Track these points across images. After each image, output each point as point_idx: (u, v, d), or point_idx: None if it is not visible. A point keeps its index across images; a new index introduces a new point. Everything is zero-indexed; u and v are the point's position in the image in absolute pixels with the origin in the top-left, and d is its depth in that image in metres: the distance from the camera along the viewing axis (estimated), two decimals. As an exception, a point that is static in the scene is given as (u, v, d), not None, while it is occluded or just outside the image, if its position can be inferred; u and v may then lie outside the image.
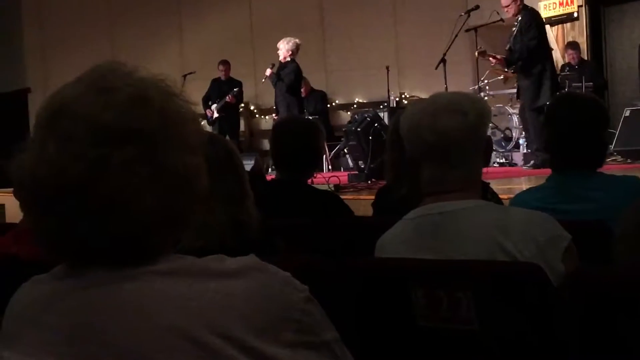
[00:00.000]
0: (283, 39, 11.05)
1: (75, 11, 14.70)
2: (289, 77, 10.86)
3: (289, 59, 10.95)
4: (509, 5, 9.40)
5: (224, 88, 12.85)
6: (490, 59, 9.60)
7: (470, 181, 2.33)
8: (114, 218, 1.18)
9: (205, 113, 13.01)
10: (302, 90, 11.73)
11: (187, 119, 1.27)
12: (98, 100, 1.20)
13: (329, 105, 14.27)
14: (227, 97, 12.67)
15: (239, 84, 12.90)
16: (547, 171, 3.21)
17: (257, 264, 1.26)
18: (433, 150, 2.28)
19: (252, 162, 8.90)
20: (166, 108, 1.24)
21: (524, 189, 3.32)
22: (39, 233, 1.23)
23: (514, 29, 9.44)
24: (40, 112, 1.22)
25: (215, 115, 12.78)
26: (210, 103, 12.89)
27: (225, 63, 13.14)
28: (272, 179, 4.19)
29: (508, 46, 9.49)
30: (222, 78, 13.09)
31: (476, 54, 9.61)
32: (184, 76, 12.87)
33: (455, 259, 2.16)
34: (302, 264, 2.08)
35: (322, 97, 13.94)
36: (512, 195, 3.74)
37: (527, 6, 9.59)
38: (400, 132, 2.40)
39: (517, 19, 9.44)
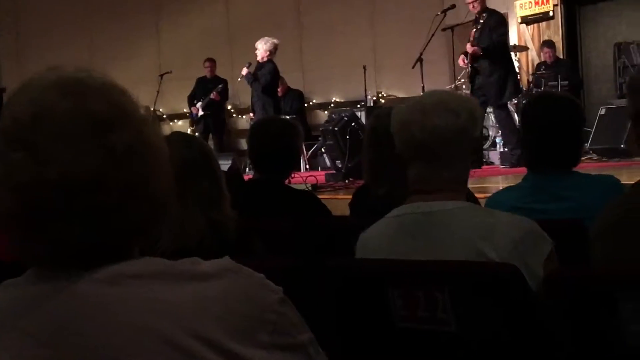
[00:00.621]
0: (261, 39, 11.03)
1: (51, 10, 14.63)
2: (265, 78, 10.84)
3: (266, 59, 10.93)
4: (474, 2, 9.57)
5: (209, 86, 12.82)
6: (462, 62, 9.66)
7: (457, 182, 2.33)
8: (110, 216, 1.18)
9: (191, 111, 12.99)
10: (278, 89, 11.72)
11: (147, 118, 1.29)
12: (62, 102, 1.19)
13: (306, 105, 14.27)
14: (212, 94, 12.63)
15: (224, 82, 12.86)
16: (523, 170, 3.22)
17: (232, 266, 1.25)
18: (422, 148, 2.27)
19: (229, 162, 8.89)
20: (130, 102, 1.26)
21: (500, 188, 3.33)
22: (13, 236, 1.22)
23: (478, 26, 9.60)
24: (10, 123, 1.21)
25: (201, 113, 12.74)
26: (195, 101, 12.85)
27: (211, 60, 13.11)
28: (250, 179, 4.19)
29: (469, 44, 9.60)
30: (208, 76, 13.06)
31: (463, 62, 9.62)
32: (161, 75, 12.84)
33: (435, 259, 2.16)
34: (280, 266, 2.08)
35: (299, 96, 13.94)
36: (488, 195, 3.76)
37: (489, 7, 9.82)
38: (388, 131, 2.39)
39: (483, 16, 9.61)
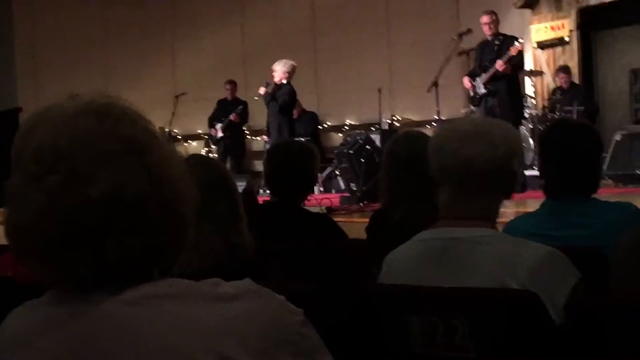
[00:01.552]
0: (279, 61, 11.04)
1: (67, 31, 14.72)
2: (283, 98, 10.85)
3: (284, 80, 10.95)
4: (491, 23, 9.69)
5: (229, 108, 12.82)
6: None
7: (488, 211, 2.32)
8: (146, 234, 1.21)
9: (210, 133, 13.01)
10: (294, 111, 11.73)
11: (168, 147, 1.31)
12: (101, 125, 1.22)
13: (320, 127, 14.29)
14: (231, 116, 12.64)
15: (243, 104, 12.87)
16: (533, 195, 3.21)
17: (254, 287, 1.26)
18: (453, 175, 2.27)
19: (244, 183, 8.90)
20: (150, 130, 1.29)
21: (512, 212, 3.32)
22: (36, 258, 1.22)
23: (494, 48, 9.65)
24: (42, 150, 1.21)
25: (220, 134, 12.75)
26: (215, 123, 12.86)
27: (232, 82, 13.09)
28: (267, 201, 4.19)
29: (485, 63, 9.66)
30: (228, 98, 13.06)
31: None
32: (176, 97, 12.88)
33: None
34: (300, 289, 2.07)
35: (313, 119, 13.95)
36: (503, 220, 3.74)
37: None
38: (405, 156, 2.39)
39: (499, 39, 9.69)
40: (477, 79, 9.73)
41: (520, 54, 9.56)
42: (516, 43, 9.45)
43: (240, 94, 13.21)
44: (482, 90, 9.68)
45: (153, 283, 1.23)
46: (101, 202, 1.18)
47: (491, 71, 9.53)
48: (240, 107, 12.67)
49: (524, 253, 2.18)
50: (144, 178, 1.21)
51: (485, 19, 9.72)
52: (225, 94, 13.07)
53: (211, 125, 12.95)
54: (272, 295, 1.27)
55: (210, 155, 12.68)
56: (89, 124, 1.21)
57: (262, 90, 11.12)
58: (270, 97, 10.93)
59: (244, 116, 12.83)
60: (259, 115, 12.60)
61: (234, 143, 12.81)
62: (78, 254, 1.19)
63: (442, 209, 2.32)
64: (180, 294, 1.22)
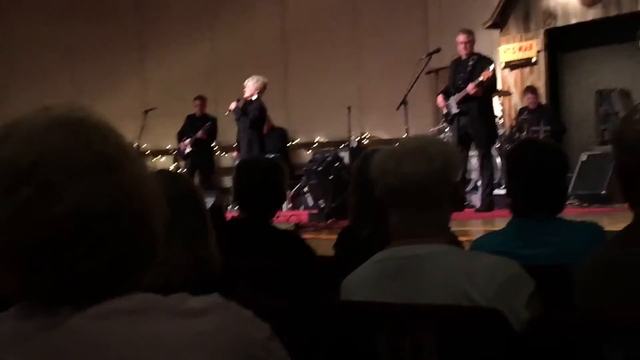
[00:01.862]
0: (252, 77, 11.09)
1: (36, 44, 14.64)
2: (254, 113, 10.90)
3: (255, 96, 10.99)
4: (467, 43, 9.71)
5: (198, 123, 12.84)
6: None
7: (438, 226, 2.35)
8: (116, 248, 1.20)
9: (179, 147, 13.00)
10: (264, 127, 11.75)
11: (139, 155, 1.31)
12: (71, 140, 1.21)
13: (289, 144, 14.30)
14: (199, 133, 12.66)
15: (213, 120, 12.88)
16: (502, 213, 3.24)
17: (221, 302, 1.26)
18: (399, 194, 2.30)
19: (213, 199, 8.87)
20: (125, 140, 1.28)
21: (482, 231, 3.36)
22: (2, 270, 1.22)
23: (467, 68, 9.70)
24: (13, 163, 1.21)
25: (188, 150, 12.76)
26: (184, 138, 12.87)
27: (201, 98, 13.13)
28: (235, 217, 4.19)
29: (459, 83, 9.70)
30: (197, 113, 13.07)
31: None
32: (146, 112, 12.84)
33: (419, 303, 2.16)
34: (267, 305, 2.07)
35: (282, 135, 13.98)
36: (471, 238, 3.78)
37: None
38: (370, 174, 2.41)
39: (473, 59, 9.72)
40: (451, 97, 9.79)
41: (493, 77, 9.59)
42: (490, 67, 9.49)
43: (210, 110, 13.21)
44: (454, 110, 9.73)
45: (121, 298, 1.23)
46: (69, 218, 1.17)
47: (463, 93, 9.59)
48: (208, 123, 12.69)
49: (478, 264, 2.22)
50: (114, 195, 1.20)
51: (461, 37, 9.73)
52: (194, 109, 13.07)
53: (180, 140, 12.95)
54: (240, 310, 1.27)
55: (179, 170, 12.66)
56: (61, 138, 1.21)
57: (232, 106, 11.15)
58: (241, 112, 10.96)
59: (211, 133, 12.85)
60: (228, 132, 12.60)
61: (202, 159, 12.82)
62: (44, 268, 1.19)
63: (394, 230, 2.34)
64: (148, 309, 1.22)
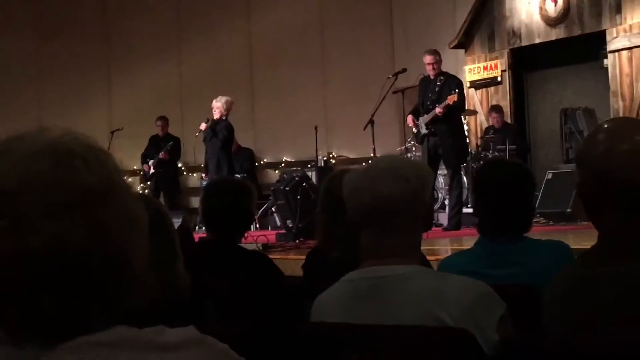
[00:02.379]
0: (219, 97, 11.11)
1: (1, 64, 14.51)
2: (223, 133, 10.90)
3: (223, 117, 11.00)
4: (435, 64, 9.75)
5: (161, 144, 12.82)
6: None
7: (409, 246, 2.34)
8: (71, 288, 1.16)
9: (143, 169, 12.97)
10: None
11: (128, 186, 1.26)
12: (55, 172, 1.17)
13: (256, 164, 14.30)
14: (161, 154, 12.64)
15: (174, 140, 12.87)
16: (469, 232, 3.25)
17: (197, 337, 1.24)
18: (372, 214, 2.29)
19: (180, 220, 8.83)
20: (116, 170, 1.23)
21: (449, 250, 3.36)
22: None
23: (436, 88, 9.74)
24: None
25: (152, 171, 12.72)
26: (148, 159, 12.84)
27: (163, 119, 13.14)
28: (203, 238, 4.17)
29: (427, 104, 9.74)
30: (160, 134, 13.05)
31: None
32: (112, 132, 12.78)
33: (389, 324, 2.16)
34: (236, 331, 2.07)
35: (249, 155, 13.97)
36: (438, 257, 3.79)
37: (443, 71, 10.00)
38: (342, 194, 2.40)
39: (440, 79, 9.77)
40: (420, 118, 9.82)
41: (460, 98, 9.63)
42: (456, 91, 9.54)
43: (176, 130, 13.18)
44: (424, 130, 9.78)
45: (96, 332, 1.21)
46: (40, 254, 1.14)
47: (432, 114, 9.64)
48: (169, 143, 12.67)
49: (449, 286, 2.21)
50: (91, 233, 1.16)
51: (428, 58, 9.76)
52: (156, 130, 13.05)
53: (144, 161, 12.92)
54: (214, 344, 1.25)
55: (145, 191, 12.63)
56: (43, 168, 1.17)
57: (202, 126, 11.15)
58: (212, 134, 10.95)
59: (174, 152, 12.84)
60: (196, 152, 12.57)
61: (166, 179, 12.80)
62: (12, 304, 1.16)
63: (365, 251, 2.33)
64: (120, 342, 1.19)
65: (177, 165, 13.42)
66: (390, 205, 2.27)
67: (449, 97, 9.47)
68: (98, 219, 1.18)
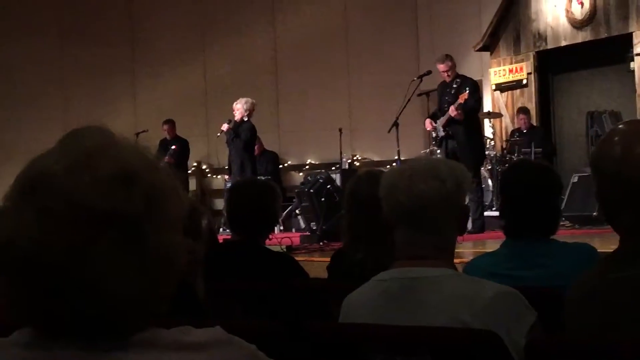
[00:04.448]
0: (240, 99, 11.10)
1: (26, 68, 14.62)
2: (246, 134, 10.90)
3: (245, 118, 11.00)
4: (448, 70, 9.75)
5: (169, 148, 12.80)
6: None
7: (443, 249, 2.32)
8: (91, 300, 1.15)
9: None
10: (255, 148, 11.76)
11: (171, 194, 1.24)
12: (82, 179, 1.16)
13: (281, 166, 14.31)
14: (166, 158, 12.64)
15: (182, 142, 12.85)
16: (493, 235, 3.24)
17: (223, 337, 1.24)
18: (407, 214, 2.28)
19: (205, 221, 8.85)
20: (152, 187, 1.21)
21: (472, 253, 3.34)
22: (6, 297, 1.19)
23: (451, 91, 9.73)
24: (20, 176, 1.20)
25: None
26: None
27: (169, 122, 13.09)
28: (228, 240, 4.17)
29: (444, 106, 9.74)
30: (168, 138, 13.04)
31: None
32: (137, 134, 12.81)
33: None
34: (261, 330, 2.07)
35: (274, 158, 13.97)
36: (463, 260, 3.77)
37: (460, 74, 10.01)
38: (366, 195, 2.40)
39: (457, 82, 9.77)
40: (438, 121, 9.82)
41: (472, 98, 9.61)
42: (465, 89, 9.55)
43: (201, 132, 13.19)
44: (441, 133, 9.77)
45: (130, 332, 1.20)
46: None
47: (447, 116, 9.63)
48: (172, 147, 12.56)
49: (481, 292, 2.19)
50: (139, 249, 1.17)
51: (441, 67, 9.79)
52: (163, 134, 13.05)
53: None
54: (242, 344, 1.25)
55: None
56: (75, 178, 1.17)
57: (224, 127, 11.14)
58: (234, 134, 10.95)
59: (180, 155, 12.68)
60: (219, 154, 12.57)
61: None
62: (50, 300, 1.16)
63: (399, 250, 2.32)
64: (144, 342, 1.20)
65: (186, 167, 13.36)
66: (424, 206, 2.25)
67: (460, 96, 9.48)
68: (142, 233, 1.18)
